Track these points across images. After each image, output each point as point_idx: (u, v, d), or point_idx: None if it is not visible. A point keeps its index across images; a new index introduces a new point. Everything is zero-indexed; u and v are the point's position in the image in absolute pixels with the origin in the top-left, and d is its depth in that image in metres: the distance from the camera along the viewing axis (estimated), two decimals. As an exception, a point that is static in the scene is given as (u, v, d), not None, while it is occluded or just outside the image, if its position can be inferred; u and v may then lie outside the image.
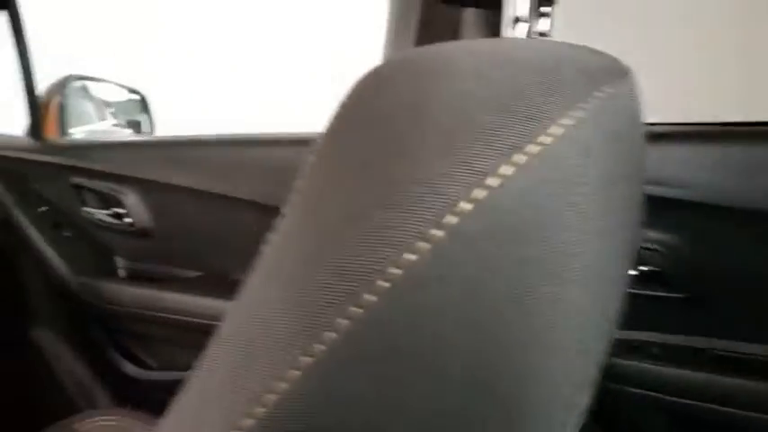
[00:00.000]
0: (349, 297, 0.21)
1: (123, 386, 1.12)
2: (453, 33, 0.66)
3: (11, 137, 1.23)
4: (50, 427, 0.88)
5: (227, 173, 1.02)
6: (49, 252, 1.10)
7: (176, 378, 1.09)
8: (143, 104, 1.53)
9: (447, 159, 0.21)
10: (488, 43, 0.27)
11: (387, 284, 0.21)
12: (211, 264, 1.09)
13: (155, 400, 1.11)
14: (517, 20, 0.32)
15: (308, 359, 0.22)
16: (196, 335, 1.02)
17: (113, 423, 0.89)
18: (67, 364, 1.18)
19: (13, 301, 1.18)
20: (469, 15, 0.63)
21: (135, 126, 1.62)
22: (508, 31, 0.32)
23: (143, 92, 1.53)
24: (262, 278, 0.27)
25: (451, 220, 0.21)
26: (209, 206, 1.04)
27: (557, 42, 0.27)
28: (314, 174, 0.27)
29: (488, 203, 0.21)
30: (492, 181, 0.21)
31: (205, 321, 1.01)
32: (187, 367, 0.99)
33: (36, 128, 1.19)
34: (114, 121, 1.64)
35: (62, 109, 1.26)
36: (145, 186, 1.08)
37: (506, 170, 0.21)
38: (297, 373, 0.22)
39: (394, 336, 0.21)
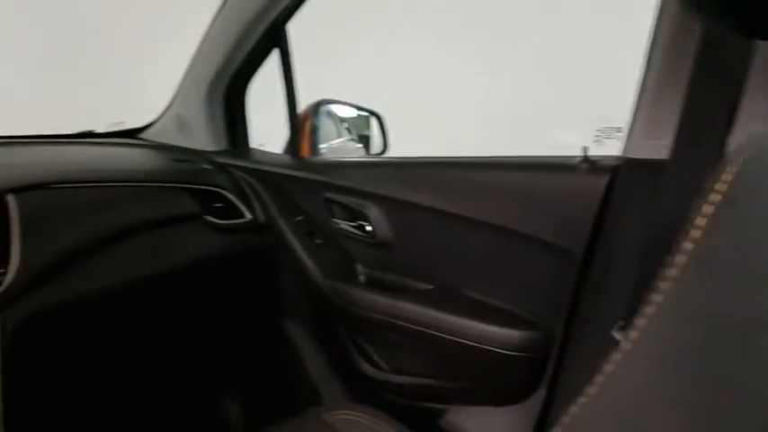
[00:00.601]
0: None
1: (359, 383, 1.23)
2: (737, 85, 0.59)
3: (275, 154, 1.43)
4: (301, 414, 1.00)
5: (461, 193, 1.06)
6: (304, 256, 1.25)
7: (405, 382, 1.17)
8: (379, 124, 1.65)
9: None
10: None
11: None
12: (443, 278, 1.14)
13: (385, 399, 1.20)
14: None
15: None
16: (425, 343, 1.09)
17: (356, 418, 0.98)
18: (313, 357, 1.34)
19: (272, 296, 1.38)
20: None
21: (364, 141, 1.78)
22: None
23: (379, 113, 1.65)
24: (671, 347, 0.27)
25: None
26: (445, 224, 1.09)
27: None
28: (706, 254, 0.27)
29: None
30: None
31: (434, 332, 1.07)
32: (415, 372, 1.05)
33: (295, 147, 1.37)
34: (348, 137, 1.82)
35: (314, 130, 1.43)
36: (386, 203, 1.18)
37: None
38: None
39: None
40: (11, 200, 0.93)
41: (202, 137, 1.42)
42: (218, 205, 1.26)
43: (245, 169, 1.34)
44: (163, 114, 1.51)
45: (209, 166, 1.34)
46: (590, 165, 0.90)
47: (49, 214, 0.97)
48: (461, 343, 1.03)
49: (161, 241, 1.13)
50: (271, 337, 1.37)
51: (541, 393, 1.01)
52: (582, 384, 0.32)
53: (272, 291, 1.36)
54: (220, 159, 1.37)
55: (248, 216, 1.29)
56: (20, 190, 0.96)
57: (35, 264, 0.91)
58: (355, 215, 1.23)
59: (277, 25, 1.24)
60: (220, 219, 1.23)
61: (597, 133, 1.06)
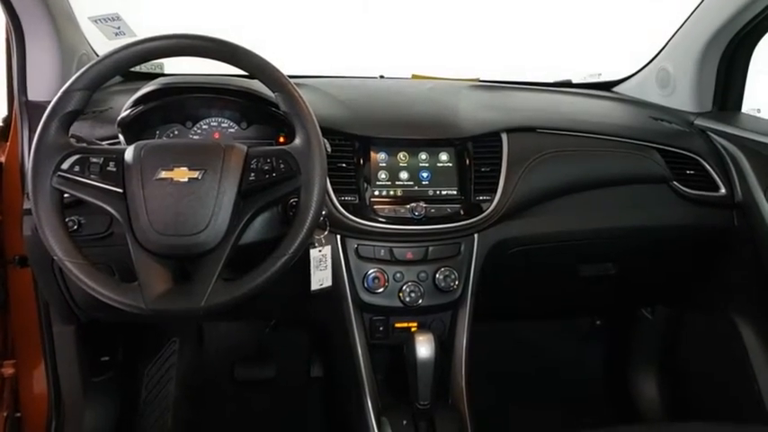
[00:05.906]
0: None
1: None
2: None
3: None
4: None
5: None
6: None
7: None
8: None
9: None
10: None
11: None
12: None
13: None
14: None
15: None
16: None
17: None
18: (761, 365, 1.15)
19: (728, 283, 1.22)
20: None
21: None
22: None
23: None
24: None
25: None
26: None
27: None
28: None
29: None
30: None
31: None
32: None
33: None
34: None
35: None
36: None
37: None
38: None
39: None
40: (504, 138, 1.06)
41: (685, 96, 1.30)
42: (690, 172, 1.17)
43: (730, 137, 1.18)
44: (642, 68, 1.45)
45: (687, 129, 1.24)
46: None
47: (531, 155, 1.07)
48: None
49: (623, 198, 1.13)
50: (710, 326, 1.23)
51: None
52: None
53: (729, 278, 1.20)
54: (700, 122, 1.24)
55: (723, 190, 1.15)
56: (512, 130, 1.08)
57: (513, 197, 1.03)
58: None
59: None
60: (690, 188, 1.14)
61: None
